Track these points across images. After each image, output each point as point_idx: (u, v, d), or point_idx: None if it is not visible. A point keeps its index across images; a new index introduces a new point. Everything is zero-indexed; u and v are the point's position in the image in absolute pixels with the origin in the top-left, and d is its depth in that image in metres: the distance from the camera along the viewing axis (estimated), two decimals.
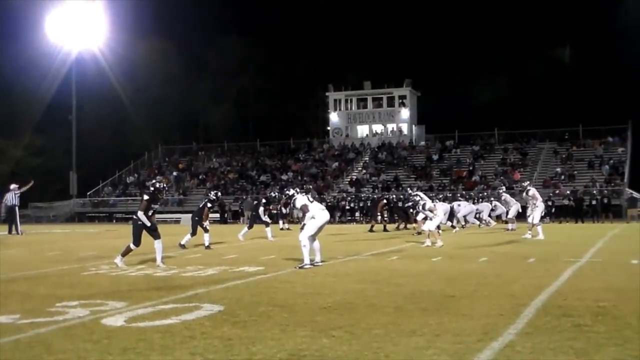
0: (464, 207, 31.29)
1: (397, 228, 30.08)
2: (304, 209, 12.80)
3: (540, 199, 22.13)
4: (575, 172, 48.34)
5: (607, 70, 63.20)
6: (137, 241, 12.86)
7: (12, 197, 29.00)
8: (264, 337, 6.18)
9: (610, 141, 51.59)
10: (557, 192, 43.97)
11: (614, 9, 60.88)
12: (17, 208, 29.23)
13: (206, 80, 73.74)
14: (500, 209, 31.03)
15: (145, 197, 13.10)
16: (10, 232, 28.57)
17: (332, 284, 10.09)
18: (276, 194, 30.20)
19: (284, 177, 55.57)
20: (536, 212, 21.32)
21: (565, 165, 49.51)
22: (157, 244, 12.98)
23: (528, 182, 25.00)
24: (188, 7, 71.15)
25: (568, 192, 42.58)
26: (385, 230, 28.05)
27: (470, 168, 51.90)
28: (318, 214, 12.70)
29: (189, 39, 70.02)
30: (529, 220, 21.61)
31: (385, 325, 6.72)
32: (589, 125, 53.11)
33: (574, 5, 66.67)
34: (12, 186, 29.41)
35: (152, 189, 13.22)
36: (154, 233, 12.90)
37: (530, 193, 21.77)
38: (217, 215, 46.36)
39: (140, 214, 12.76)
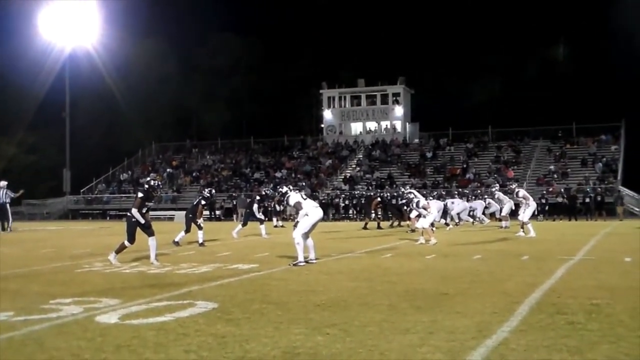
0: (457, 205, 31.33)
1: (391, 226, 30.09)
2: (298, 207, 12.82)
3: (531, 198, 22.30)
4: (569, 169, 48.42)
5: (600, 68, 63.40)
6: (131, 238, 12.85)
7: (2, 194, 28.92)
8: (257, 335, 6.18)
9: (603, 139, 51.65)
10: (550, 189, 44.05)
11: (607, 8, 61.05)
12: (8, 205, 29.19)
13: (199, 79, 73.60)
14: (494, 207, 31.07)
15: (140, 194, 13.09)
16: (3, 229, 28.54)
17: (325, 281, 10.09)
18: (270, 191, 30.19)
19: (278, 174, 55.52)
20: (528, 210, 21.44)
21: (558, 163, 49.59)
22: (151, 241, 12.97)
23: (516, 184, 25.20)
24: (181, 6, 71.16)
25: (561, 189, 42.69)
26: (379, 227, 28.08)
27: (464, 166, 51.95)
28: (311, 211, 12.71)
29: (182, 37, 70.06)
30: (519, 218, 21.76)
31: (379, 322, 6.72)
32: (583, 123, 53.25)
33: (568, 4, 66.86)
34: (2, 183, 29.32)
35: (146, 186, 13.23)
36: (148, 230, 12.90)
37: (520, 195, 21.93)
38: (207, 213, 46.30)
39: (134, 211, 12.76)
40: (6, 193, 29.04)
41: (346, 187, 50.97)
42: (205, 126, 73.71)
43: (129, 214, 13.02)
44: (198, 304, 7.96)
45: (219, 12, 72.76)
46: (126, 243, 12.89)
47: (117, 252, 13.04)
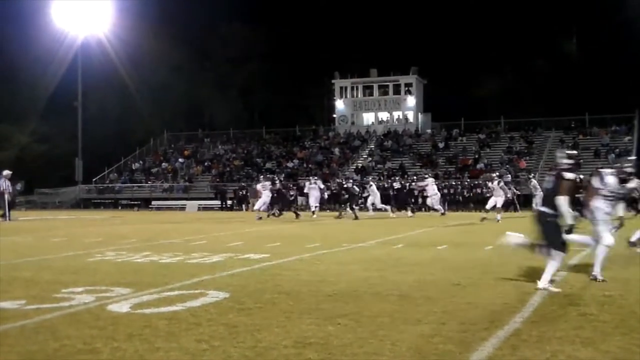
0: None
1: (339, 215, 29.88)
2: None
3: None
4: (581, 160, 48.06)
5: (614, 59, 62.86)
6: (562, 246, 8.51)
7: (6, 184, 29.04)
8: (269, 325, 6.18)
9: (616, 130, 51.39)
10: None
11: None
12: (6, 195, 29.29)
13: (211, 68, 73.58)
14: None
15: (569, 175, 8.47)
16: (9, 218, 28.68)
17: (337, 271, 10.09)
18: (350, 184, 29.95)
19: (290, 164, 55.55)
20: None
21: None
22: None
23: (532, 175, 24.67)
24: None
25: None
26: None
27: (476, 156, 51.79)
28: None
29: (194, 26, 69.98)
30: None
31: (390, 313, 6.71)
32: (596, 114, 52.92)
33: None
34: (5, 172, 29.43)
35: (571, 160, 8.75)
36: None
37: (532, 184, 21.85)
38: (218, 202, 46.65)
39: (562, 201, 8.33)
40: (7, 183, 29.21)
41: (358, 177, 50.88)
42: (217, 116, 73.72)
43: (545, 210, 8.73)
44: (210, 293, 7.98)
45: (231, 0, 72.53)
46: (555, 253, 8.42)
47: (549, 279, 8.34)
